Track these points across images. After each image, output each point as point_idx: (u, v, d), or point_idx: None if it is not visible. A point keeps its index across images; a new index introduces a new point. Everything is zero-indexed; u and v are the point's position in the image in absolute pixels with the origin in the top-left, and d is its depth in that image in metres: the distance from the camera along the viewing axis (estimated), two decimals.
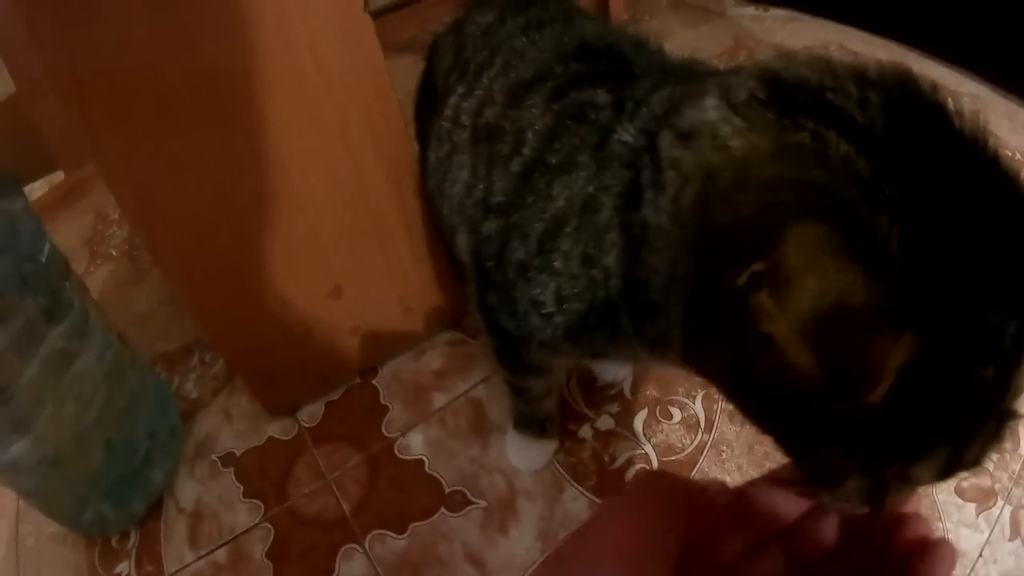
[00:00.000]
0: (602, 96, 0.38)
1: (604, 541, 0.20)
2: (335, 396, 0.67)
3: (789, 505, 0.24)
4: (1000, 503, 0.62)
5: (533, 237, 0.39)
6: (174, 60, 0.44)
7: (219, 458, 0.67)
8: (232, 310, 0.58)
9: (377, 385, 0.67)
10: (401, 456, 0.63)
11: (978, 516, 0.61)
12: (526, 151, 0.41)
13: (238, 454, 0.66)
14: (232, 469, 0.66)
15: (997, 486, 0.63)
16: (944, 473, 0.23)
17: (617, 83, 0.38)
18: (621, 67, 0.40)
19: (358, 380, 0.67)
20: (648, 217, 0.31)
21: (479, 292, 0.47)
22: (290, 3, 0.46)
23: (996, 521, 0.60)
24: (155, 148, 0.46)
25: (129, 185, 0.48)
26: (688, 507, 0.21)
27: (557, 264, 0.38)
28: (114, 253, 0.84)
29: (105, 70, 0.42)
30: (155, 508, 0.64)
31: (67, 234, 0.89)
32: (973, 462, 0.23)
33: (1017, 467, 0.64)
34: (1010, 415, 0.22)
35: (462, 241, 0.49)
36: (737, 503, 0.24)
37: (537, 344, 0.44)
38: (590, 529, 0.20)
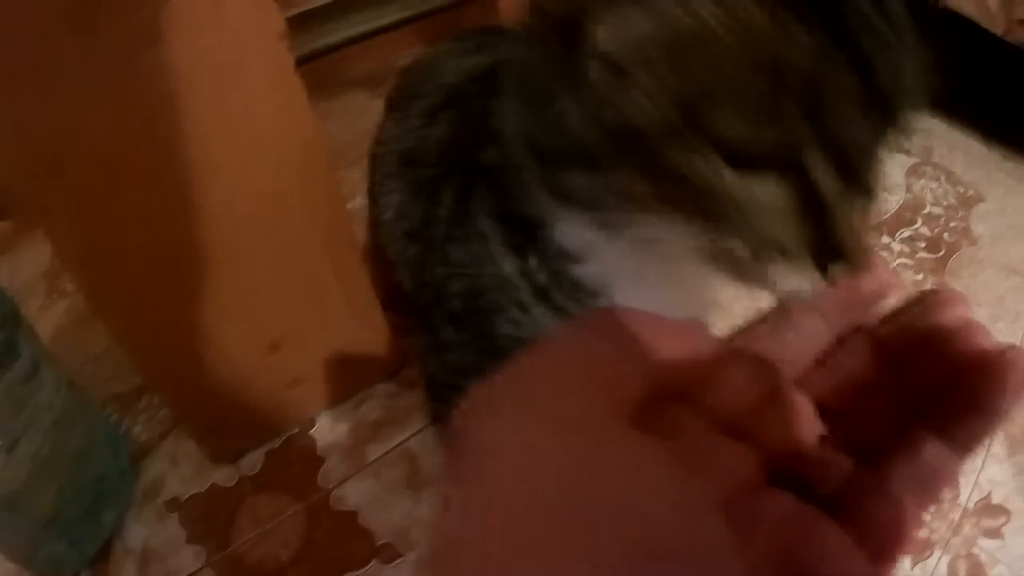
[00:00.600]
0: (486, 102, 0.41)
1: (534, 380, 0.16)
2: (275, 445, 0.72)
3: (804, 342, 0.21)
4: (937, 553, 0.66)
5: (437, 244, 0.42)
6: (115, 123, 0.48)
7: (165, 502, 0.72)
8: (173, 362, 0.63)
9: (315, 436, 0.72)
10: (336, 508, 0.67)
11: (913, 567, 0.65)
12: (431, 160, 0.45)
13: (183, 499, 0.71)
14: (177, 514, 0.71)
15: (934, 536, 0.66)
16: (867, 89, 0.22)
17: None
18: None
19: (297, 430, 0.72)
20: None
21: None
22: (225, 68, 0.50)
23: (932, 573, 0.64)
24: (96, 207, 0.50)
25: (70, 242, 0.52)
26: (653, 342, 0.18)
27: (455, 256, 0.40)
28: (70, 288, 0.88)
29: (49, 130, 0.46)
30: (106, 549, 0.69)
31: (25, 265, 0.94)
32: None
33: (956, 516, 0.67)
34: None
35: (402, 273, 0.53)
36: (735, 344, 0.21)
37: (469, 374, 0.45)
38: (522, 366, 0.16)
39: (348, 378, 0.71)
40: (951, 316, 0.20)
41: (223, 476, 0.71)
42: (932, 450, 0.18)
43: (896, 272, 0.20)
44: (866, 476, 0.19)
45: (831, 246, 0.24)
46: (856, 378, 0.21)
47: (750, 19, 0.22)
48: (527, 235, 0.34)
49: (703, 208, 0.24)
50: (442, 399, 0.51)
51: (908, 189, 0.95)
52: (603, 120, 0.24)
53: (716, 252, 0.26)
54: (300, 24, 0.82)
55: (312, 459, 0.70)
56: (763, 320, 0.21)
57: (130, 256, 0.54)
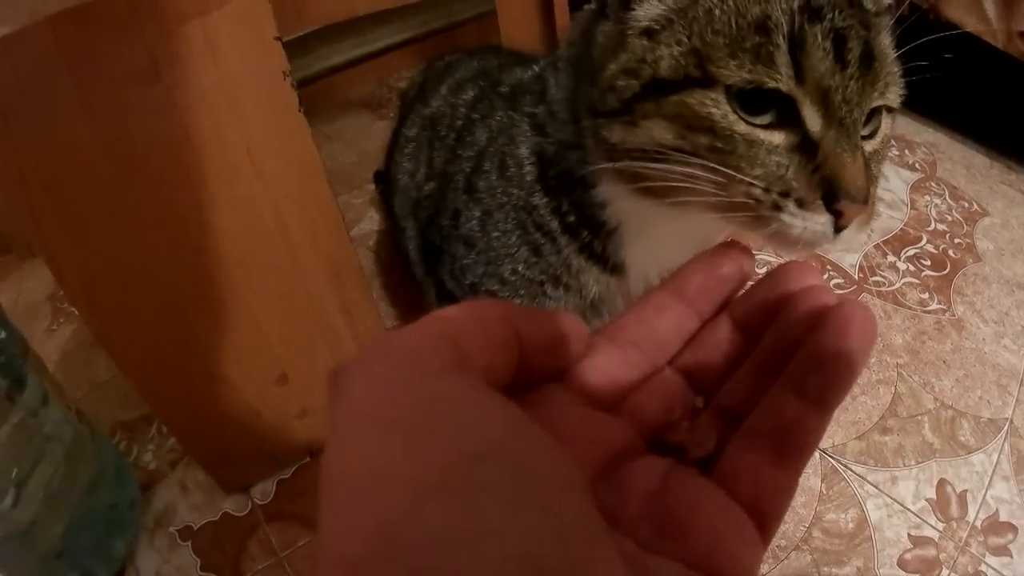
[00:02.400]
0: (518, 69, 0.50)
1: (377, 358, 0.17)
2: (286, 474, 0.70)
3: (671, 325, 0.23)
4: (945, 571, 0.65)
5: (462, 179, 0.49)
6: (116, 162, 0.47)
7: (177, 531, 0.71)
8: (181, 395, 0.62)
9: None
10: None
11: None
12: (459, 122, 0.52)
13: (195, 527, 0.70)
14: (190, 542, 0.70)
15: (943, 555, 0.66)
16: (834, 51, 0.26)
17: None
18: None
19: (308, 459, 0.71)
20: (552, 96, 0.41)
21: (430, 275, 0.56)
22: (224, 107, 0.49)
23: None
24: (100, 244, 0.50)
25: (76, 278, 0.51)
26: (511, 326, 0.18)
27: (480, 184, 0.46)
28: (77, 311, 0.87)
29: (51, 170, 0.45)
30: None
31: (30, 288, 0.92)
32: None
33: (964, 534, 0.67)
34: None
35: (411, 234, 0.60)
36: (609, 333, 0.22)
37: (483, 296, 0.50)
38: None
39: None
40: (796, 284, 0.21)
41: (235, 505, 0.71)
42: (790, 406, 0.20)
43: (751, 253, 0.23)
44: (734, 438, 0.20)
45: (835, 185, 0.26)
46: (721, 352, 0.22)
47: None
48: (561, 178, 0.41)
49: (720, 151, 0.28)
50: None
51: (912, 206, 0.94)
52: (640, 74, 0.30)
53: (728, 202, 0.28)
54: (301, 46, 0.81)
55: None
56: (632, 308, 0.23)
57: (135, 293, 0.53)
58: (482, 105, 0.50)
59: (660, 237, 0.41)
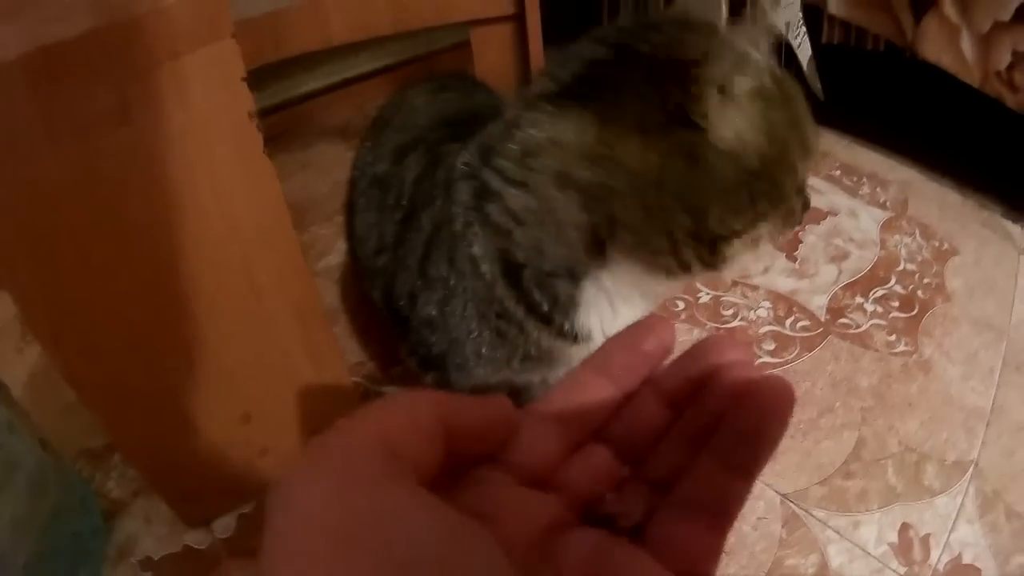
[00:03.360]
0: (455, 146, 0.48)
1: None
2: (248, 509, 0.70)
3: (597, 401, 0.24)
4: None
5: (414, 263, 0.50)
6: (85, 203, 0.47)
7: (139, 561, 0.70)
8: (144, 431, 0.62)
9: None
10: None
11: None
12: (404, 201, 0.52)
13: (156, 559, 0.69)
14: (151, 573, 0.68)
15: None
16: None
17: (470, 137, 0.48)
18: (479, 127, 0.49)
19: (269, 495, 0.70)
20: (519, 206, 0.41)
21: (402, 337, 0.57)
22: (192, 149, 0.49)
23: None
24: (68, 283, 0.49)
25: (43, 317, 0.51)
26: (442, 416, 0.20)
27: (432, 273, 0.47)
28: None
29: (20, 211, 0.45)
30: None
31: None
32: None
33: None
34: None
35: (375, 293, 0.60)
36: (538, 411, 0.23)
37: (450, 366, 0.52)
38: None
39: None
40: (721, 357, 0.23)
41: (197, 538, 0.70)
42: (717, 476, 0.21)
43: (671, 327, 0.25)
44: (663, 507, 0.21)
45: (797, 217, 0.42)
46: (646, 423, 0.24)
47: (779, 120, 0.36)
48: (537, 279, 0.43)
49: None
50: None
51: (882, 245, 0.93)
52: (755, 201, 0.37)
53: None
54: (277, 71, 0.80)
55: None
56: (559, 386, 0.24)
57: (101, 332, 0.53)
58: (423, 187, 0.50)
59: (622, 303, 0.45)
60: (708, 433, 0.22)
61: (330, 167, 0.73)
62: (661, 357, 0.25)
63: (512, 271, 0.43)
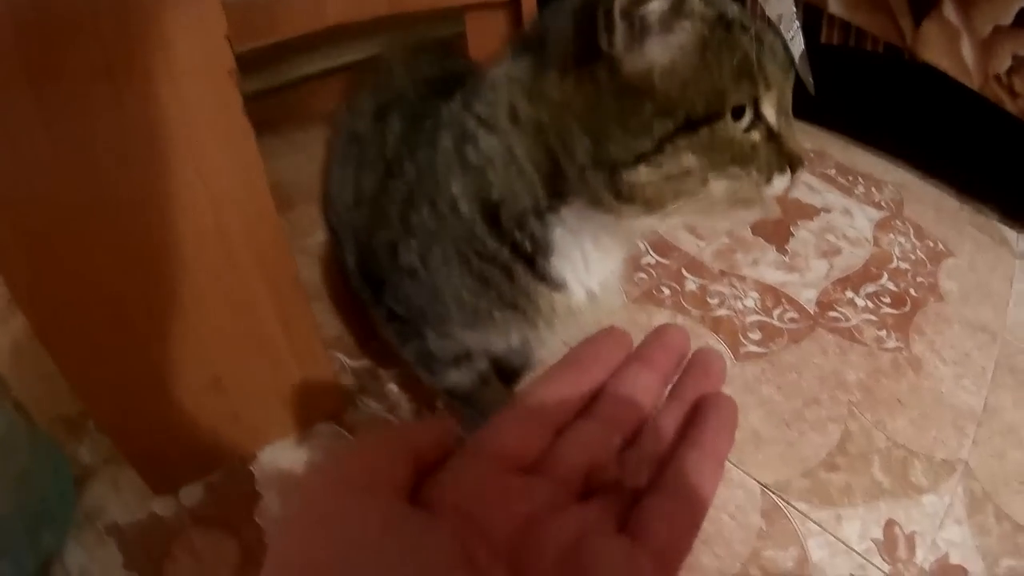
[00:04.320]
0: (440, 101, 0.48)
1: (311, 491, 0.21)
2: (215, 478, 0.68)
3: (582, 383, 0.26)
4: None
5: (395, 212, 0.48)
6: (66, 161, 0.46)
7: (106, 527, 0.68)
8: (114, 393, 0.60)
9: (254, 471, 0.68)
10: None
11: None
12: (388, 154, 0.51)
13: (122, 525, 0.67)
14: (115, 539, 0.67)
15: None
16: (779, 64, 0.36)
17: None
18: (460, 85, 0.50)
19: (237, 464, 0.68)
20: (487, 146, 0.41)
21: (376, 302, 0.57)
22: (172, 105, 0.48)
23: None
24: (45, 242, 0.48)
25: (21, 275, 0.49)
26: (412, 441, 0.23)
27: (414, 220, 0.46)
28: None
29: (3, 170, 0.44)
30: (45, 570, 0.65)
31: None
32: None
33: None
34: None
35: (349, 255, 0.59)
36: (521, 400, 0.25)
37: (434, 330, 0.52)
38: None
39: (289, 417, 0.68)
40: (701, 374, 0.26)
41: (163, 506, 0.68)
42: (689, 457, 0.23)
43: (628, 339, 0.28)
44: (647, 488, 0.22)
45: (791, 159, 0.37)
46: (635, 404, 0.26)
47: (717, 31, 0.35)
48: (515, 217, 0.42)
49: (732, 160, 0.36)
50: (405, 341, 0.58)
51: (876, 243, 0.91)
52: (675, 115, 0.34)
53: (732, 195, 0.37)
54: (272, 55, 0.80)
55: (251, 495, 0.67)
56: (537, 379, 0.26)
57: (77, 291, 0.51)
58: (408, 141, 0.50)
59: (593, 248, 0.44)
60: (689, 423, 0.24)
61: (321, 150, 0.72)
62: (627, 351, 0.27)
63: (491, 212, 0.43)
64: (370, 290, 0.58)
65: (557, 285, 0.45)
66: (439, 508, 0.20)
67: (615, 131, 0.35)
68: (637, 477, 0.22)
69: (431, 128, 0.46)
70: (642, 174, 0.35)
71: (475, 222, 0.43)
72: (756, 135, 0.36)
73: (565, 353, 0.27)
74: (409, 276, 0.49)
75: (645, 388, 0.26)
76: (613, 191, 0.36)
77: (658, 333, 0.28)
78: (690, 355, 0.28)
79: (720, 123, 0.34)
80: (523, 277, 0.44)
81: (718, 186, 0.36)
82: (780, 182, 0.37)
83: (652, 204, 0.36)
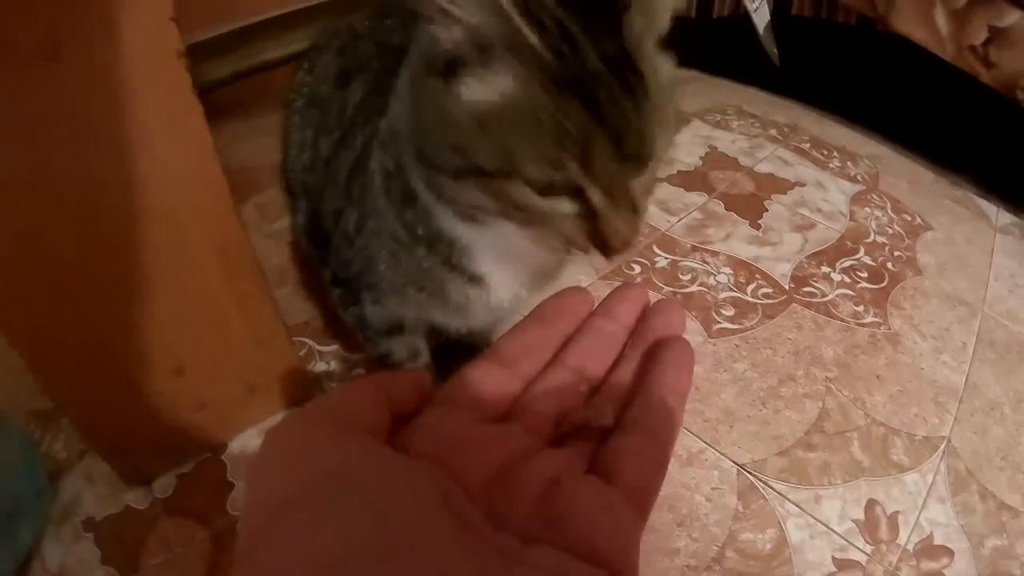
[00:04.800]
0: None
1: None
2: (187, 469, 0.64)
3: (546, 337, 0.26)
4: None
5: (342, 182, 0.47)
6: (10, 140, 0.43)
7: (82, 522, 0.64)
8: (80, 385, 0.57)
9: (225, 460, 0.64)
10: None
11: None
12: (345, 122, 0.50)
13: (98, 519, 0.64)
14: (92, 534, 0.63)
15: None
16: (618, 148, 0.28)
17: None
18: None
19: (209, 454, 0.64)
20: (392, 118, 0.40)
21: (321, 263, 0.56)
22: (120, 86, 0.45)
23: None
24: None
25: None
26: (387, 389, 0.22)
27: (354, 191, 0.45)
28: None
29: None
30: (25, 567, 0.62)
31: None
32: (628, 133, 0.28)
33: (894, 558, 0.59)
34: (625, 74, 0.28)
35: (300, 217, 0.58)
36: (491, 353, 0.25)
37: (370, 296, 0.50)
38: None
39: (256, 405, 0.64)
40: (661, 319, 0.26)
41: (136, 498, 0.64)
42: (654, 395, 0.23)
43: (587, 293, 0.28)
44: (616, 427, 0.22)
45: (606, 242, 0.31)
46: (599, 351, 0.26)
47: (537, 96, 0.28)
48: (403, 193, 0.40)
49: (526, 216, 0.31)
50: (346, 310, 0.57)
51: (851, 217, 0.86)
52: (466, 156, 0.30)
53: (541, 242, 0.33)
54: (240, 38, 0.76)
55: (223, 484, 0.63)
56: (507, 333, 0.26)
57: (28, 274, 0.48)
58: (363, 109, 0.48)
59: (509, 252, 0.41)
60: (648, 366, 0.24)
61: None
62: (588, 309, 0.27)
63: (388, 186, 0.41)
64: (318, 252, 0.57)
65: (473, 279, 0.42)
66: (414, 456, 0.19)
67: (433, 140, 0.32)
68: (603, 418, 0.22)
69: (383, 102, 0.43)
70: (447, 187, 0.33)
71: (379, 196, 0.41)
72: (565, 207, 0.30)
73: (532, 308, 0.27)
74: (347, 242, 0.47)
75: (609, 338, 0.26)
76: (434, 190, 0.35)
77: (619, 290, 0.28)
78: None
79: (510, 183, 0.30)
80: (432, 264, 0.42)
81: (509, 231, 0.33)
82: (589, 256, 0.32)
83: (470, 215, 0.34)
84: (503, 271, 0.42)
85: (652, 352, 0.25)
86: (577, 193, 0.30)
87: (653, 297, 0.29)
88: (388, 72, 0.48)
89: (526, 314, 0.28)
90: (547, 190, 0.29)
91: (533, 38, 0.27)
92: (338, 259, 0.51)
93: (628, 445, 0.21)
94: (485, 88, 0.29)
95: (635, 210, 0.31)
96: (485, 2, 0.27)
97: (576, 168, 0.28)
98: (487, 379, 0.24)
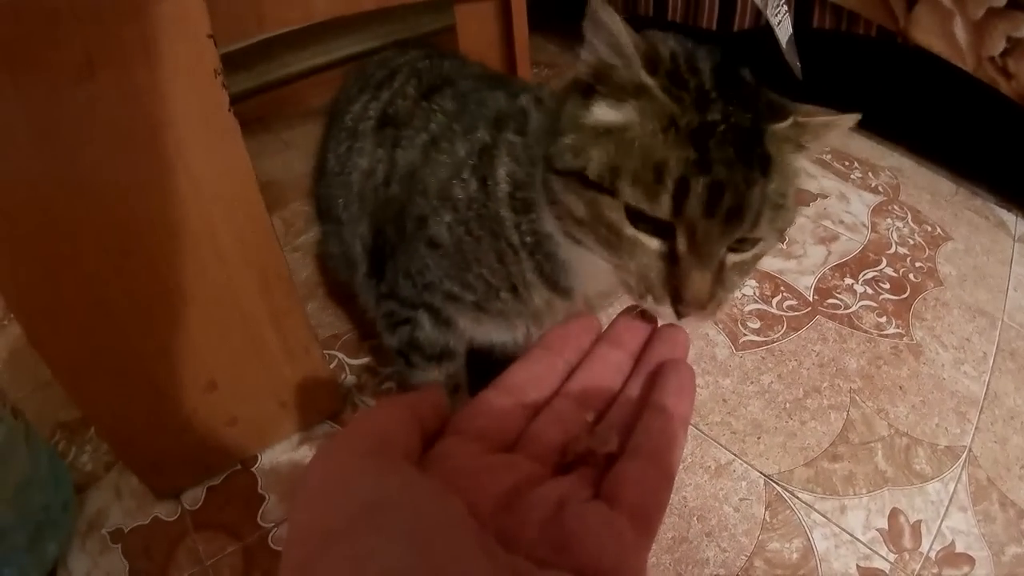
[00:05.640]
0: (495, 92, 0.51)
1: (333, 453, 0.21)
2: (216, 481, 0.65)
3: (549, 372, 0.27)
4: None
5: (434, 184, 0.48)
6: (49, 162, 0.44)
7: (109, 533, 0.65)
8: (111, 399, 0.58)
9: (256, 473, 0.65)
10: (275, 547, 0.61)
11: None
12: (433, 127, 0.52)
13: (126, 531, 0.65)
14: (120, 546, 0.64)
15: None
16: (713, 201, 0.29)
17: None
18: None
19: (239, 467, 0.65)
20: (532, 131, 0.43)
21: (374, 276, 0.57)
22: (158, 107, 0.46)
23: None
24: (32, 243, 0.46)
25: (9, 280, 0.47)
26: (420, 412, 0.23)
27: (457, 192, 0.46)
28: None
29: None
30: None
31: None
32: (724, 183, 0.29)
33: (917, 566, 0.61)
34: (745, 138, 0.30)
35: (361, 231, 0.58)
36: (498, 385, 0.26)
37: (431, 313, 0.52)
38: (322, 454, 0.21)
39: (288, 418, 0.65)
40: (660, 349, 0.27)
41: (165, 510, 0.65)
42: (655, 421, 0.23)
43: (596, 321, 0.30)
44: (620, 454, 0.23)
45: (680, 293, 0.31)
46: (603, 380, 0.26)
47: (653, 132, 0.30)
48: (524, 202, 0.43)
49: (611, 240, 0.32)
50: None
51: (873, 229, 0.87)
52: (578, 158, 0.33)
53: (622, 275, 0.34)
54: (263, 52, 0.77)
55: (253, 497, 0.64)
56: (514, 365, 0.26)
57: (66, 294, 0.49)
58: (465, 119, 0.50)
59: (599, 270, 0.42)
60: (650, 390, 0.25)
61: (312, 147, 0.69)
62: (596, 336, 0.28)
63: (514, 194, 0.44)
64: (370, 267, 0.58)
65: (562, 291, 0.45)
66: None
67: (560, 142, 0.34)
68: (607, 444, 0.23)
69: (494, 119, 0.48)
70: (558, 187, 0.34)
71: (503, 203, 0.44)
72: (652, 243, 0.31)
73: (538, 338, 0.28)
74: (430, 247, 0.49)
75: (614, 366, 0.27)
76: (547, 193, 0.36)
77: (624, 315, 0.29)
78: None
79: (606, 198, 0.31)
80: (527, 269, 0.45)
81: (602, 254, 0.34)
82: (657, 306, 0.32)
83: (568, 227, 0.35)
84: (589, 285, 0.45)
85: (654, 377, 0.26)
86: (666, 234, 0.31)
87: (661, 320, 0.30)
88: (477, 91, 0.54)
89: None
90: (638, 218, 0.30)
91: (653, 86, 0.30)
92: (408, 267, 0.52)
93: (631, 469, 0.22)
94: (612, 112, 0.32)
95: (719, 275, 0.31)
96: (614, 43, 0.31)
97: (668, 205, 0.29)
98: (496, 409, 0.25)
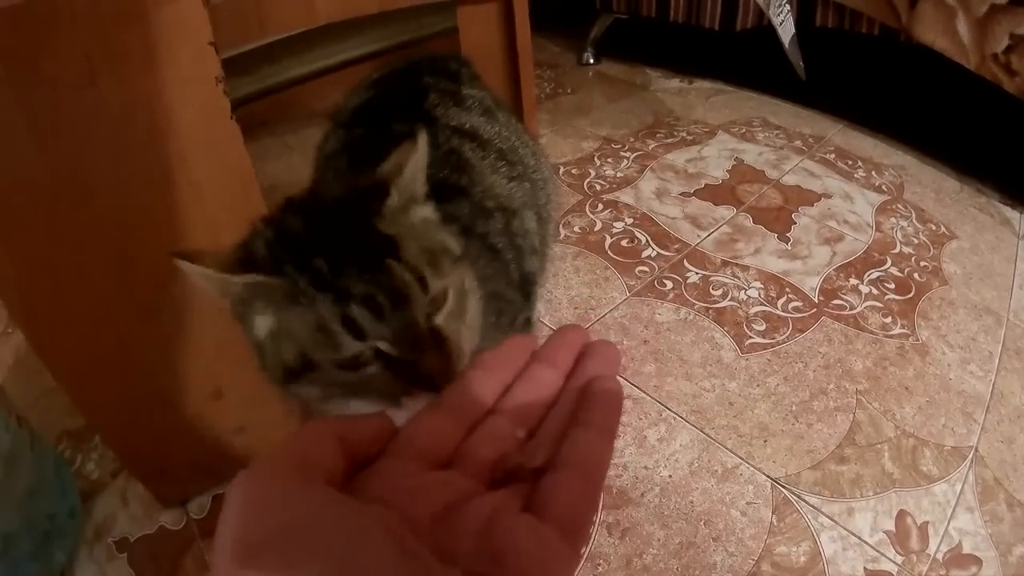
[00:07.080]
0: None
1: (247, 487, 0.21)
2: (223, 489, 0.65)
3: (486, 389, 0.28)
4: None
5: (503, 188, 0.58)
6: (51, 168, 0.44)
7: (115, 542, 0.66)
8: (116, 408, 0.58)
9: None
10: None
11: None
12: (502, 143, 0.60)
13: (132, 540, 0.66)
14: (126, 554, 0.65)
15: None
16: (373, 312, 0.32)
17: None
18: None
19: None
20: None
21: None
22: (159, 114, 0.46)
23: None
24: (35, 251, 0.47)
25: (12, 288, 0.48)
26: (340, 434, 0.24)
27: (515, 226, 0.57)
28: None
29: None
30: None
31: None
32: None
33: (924, 568, 0.61)
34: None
35: None
36: (433, 405, 0.27)
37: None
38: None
39: (293, 426, 0.65)
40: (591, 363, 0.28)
41: (172, 518, 0.66)
42: (583, 436, 0.25)
43: (533, 339, 0.31)
44: (548, 467, 0.24)
45: (424, 379, 0.33)
46: (537, 397, 0.27)
47: (290, 308, 0.34)
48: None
49: (352, 390, 0.35)
50: None
51: (877, 228, 0.88)
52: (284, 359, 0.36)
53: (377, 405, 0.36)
54: (266, 56, 0.77)
55: None
56: (451, 388, 0.28)
57: (69, 303, 0.49)
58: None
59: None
60: (579, 406, 0.26)
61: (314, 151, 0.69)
62: (528, 354, 0.29)
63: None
64: None
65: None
66: (370, 501, 0.21)
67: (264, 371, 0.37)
68: (534, 459, 0.24)
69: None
70: (299, 389, 0.37)
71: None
72: (372, 367, 0.34)
73: (475, 359, 0.30)
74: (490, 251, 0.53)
75: (546, 384, 0.28)
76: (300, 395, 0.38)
77: (559, 334, 0.30)
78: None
79: (315, 373, 0.34)
80: None
81: (356, 403, 0.36)
82: (415, 399, 0.34)
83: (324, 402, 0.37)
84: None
85: (584, 392, 0.27)
86: (377, 354, 0.33)
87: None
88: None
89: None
90: (349, 364, 0.33)
91: (258, 278, 0.34)
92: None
93: (558, 483, 0.23)
94: (264, 318, 0.36)
95: (440, 343, 0.34)
96: (201, 284, 0.36)
97: (351, 339, 0.33)
98: (433, 428, 0.26)
